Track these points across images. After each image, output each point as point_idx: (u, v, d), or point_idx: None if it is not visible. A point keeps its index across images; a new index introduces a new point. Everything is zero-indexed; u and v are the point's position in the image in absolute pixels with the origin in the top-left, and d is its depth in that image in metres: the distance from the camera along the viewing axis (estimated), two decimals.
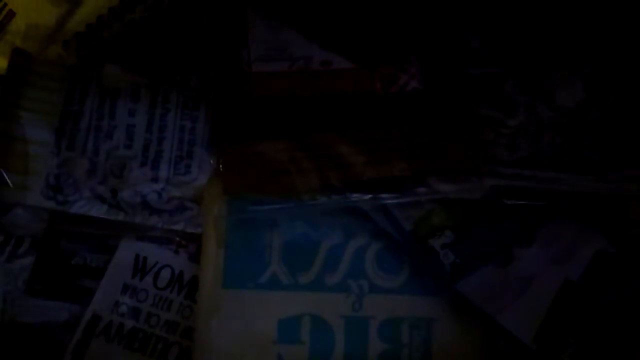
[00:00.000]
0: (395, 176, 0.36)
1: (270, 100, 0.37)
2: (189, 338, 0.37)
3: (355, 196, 0.36)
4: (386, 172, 0.36)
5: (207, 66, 0.40)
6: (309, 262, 0.37)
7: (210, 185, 0.36)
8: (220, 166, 0.35)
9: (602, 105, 0.40)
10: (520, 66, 0.41)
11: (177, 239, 0.39)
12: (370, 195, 0.36)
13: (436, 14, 0.41)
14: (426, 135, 0.37)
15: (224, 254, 0.36)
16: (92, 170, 0.37)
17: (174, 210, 0.38)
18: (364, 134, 0.36)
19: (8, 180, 0.35)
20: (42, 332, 0.36)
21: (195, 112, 0.39)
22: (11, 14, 0.41)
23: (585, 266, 0.37)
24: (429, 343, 0.37)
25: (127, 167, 0.37)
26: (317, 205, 0.36)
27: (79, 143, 0.37)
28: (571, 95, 0.40)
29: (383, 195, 0.36)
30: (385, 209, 0.37)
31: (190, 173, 0.38)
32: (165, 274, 0.38)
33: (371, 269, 0.37)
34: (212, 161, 0.38)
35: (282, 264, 0.36)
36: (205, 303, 0.35)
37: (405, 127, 0.37)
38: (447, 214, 0.37)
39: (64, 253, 0.38)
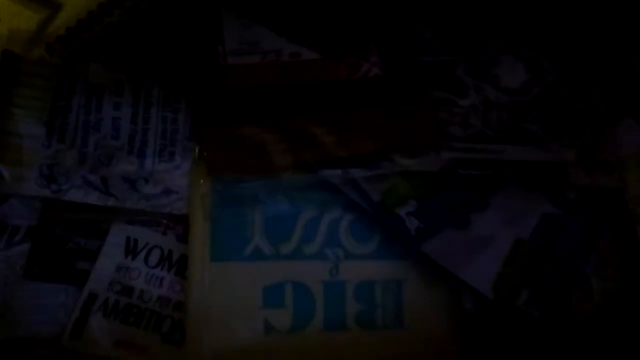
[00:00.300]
0: (362, 153, 0.40)
1: (245, 90, 0.41)
2: (179, 311, 0.40)
3: (327, 172, 0.40)
4: (354, 150, 0.40)
5: (186, 61, 0.43)
6: (288, 234, 0.40)
7: (195, 168, 0.40)
8: (204, 150, 0.39)
9: (542, 84, 0.45)
10: (469, 53, 0.46)
11: (165, 221, 0.42)
12: (340, 171, 0.40)
13: (392, 8, 0.46)
14: (388, 116, 0.41)
15: (210, 229, 0.39)
16: (82, 160, 0.40)
17: (161, 195, 0.41)
18: (332, 116, 0.40)
19: (3, 173, 0.38)
20: (41, 313, 0.39)
21: (175, 105, 0.43)
22: None
23: (534, 226, 0.42)
24: (400, 302, 0.41)
25: (115, 157, 0.40)
26: (293, 182, 0.39)
27: (68, 135, 0.40)
28: (515, 77, 0.45)
29: (352, 171, 0.40)
30: (354, 183, 0.41)
31: (174, 160, 0.42)
32: (156, 254, 0.41)
33: (345, 238, 0.41)
34: (194, 147, 0.41)
35: (264, 237, 0.40)
36: (195, 276, 0.39)
37: (369, 109, 0.41)
38: (410, 185, 0.41)
39: (59, 239, 0.40)
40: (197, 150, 0.41)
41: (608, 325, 0.41)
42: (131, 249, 0.41)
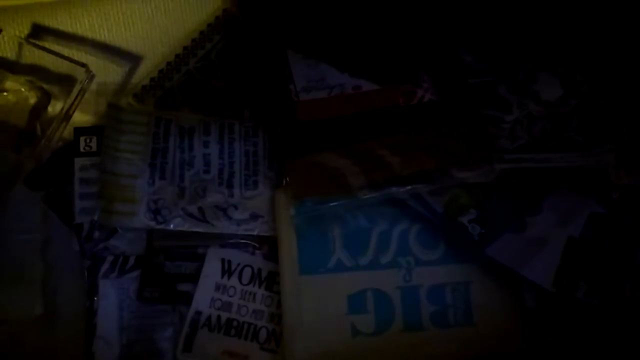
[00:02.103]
0: (425, 170, 0.45)
1: (317, 122, 0.46)
2: (273, 321, 0.45)
3: (395, 189, 0.45)
4: (417, 168, 0.45)
5: (261, 99, 0.49)
6: (365, 246, 0.45)
7: (279, 193, 0.45)
8: (288, 177, 0.44)
9: (578, 96, 0.50)
10: (508, 73, 0.51)
11: (253, 242, 0.47)
12: (407, 187, 0.45)
13: (436, 36, 0.51)
14: (445, 135, 0.46)
15: (298, 247, 0.44)
16: (181, 193, 0.45)
17: (249, 219, 0.46)
18: (396, 139, 0.45)
19: (117, 209, 0.43)
20: (153, 331, 0.44)
21: (255, 139, 0.48)
22: (92, 76, 0.50)
23: (583, 225, 0.47)
24: (468, 302, 0.46)
25: (208, 189, 0.46)
26: (366, 200, 0.44)
27: (168, 173, 0.46)
28: (553, 91, 0.50)
29: (417, 186, 0.45)
30: (419, 197, 0.46)
31: (257, 188, 0.47)
32: (247, 272, 0.46)
33: (415, 247, 0.46)
34: (275, 175, 0.46)
35: (344, 250, 0.45)
36: (287, 289, 0.44)
37: (427, 131, 0.46)
38: (469, 195, 0.46)
39: (163, 264, 0.46)
40: (280, 178, 0.46)
41: None
42: (226, 270, 0.46)
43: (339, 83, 0.48)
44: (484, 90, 0.50)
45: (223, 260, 0.46)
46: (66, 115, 0.48)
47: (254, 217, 0.46)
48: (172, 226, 0.44)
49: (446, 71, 0.49)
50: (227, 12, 0.53)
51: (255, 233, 0.46)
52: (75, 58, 0.50)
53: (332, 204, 0.44)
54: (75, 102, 0.48)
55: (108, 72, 0.52)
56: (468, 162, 0.46)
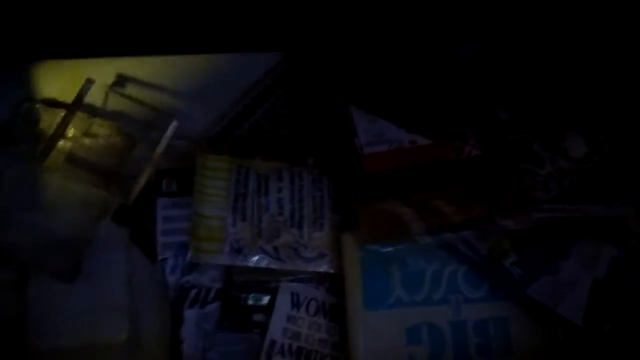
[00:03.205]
0: (473, 218, 0.52)
1: (379, 173, 0.52)
2: (336, 350, 0.51)
3: (448, 235, 0.51)
4: (466, 216, 0.51)
5: (326, 149, 0.55)
6: (420, 284, 0.51)
7: (347, 236, 0.51)
8: (357, 223, 0.50)
9: (600, 154, 0.57)
10: (540, 130, 0.57)
11: (318, 278, 0.52)
12: (458, 233, 0.51)
13: (478, 96, 0.58)
14: (490, 188, 0.52)
15: (362, 285, 0.50)
16: (259, 234, 0.51)
17: (317, 258, 0.52)
18: (450, 191, 0.51)
19: (206, 247, 0.49)
20: (233, 358, 0.49)
21: (320, 185, 0.54)
22: (175, 125, 0.55)
23: (606, 268, 0.53)
24: (509, 335, 0.52)
25: (281, 230, 0.51)
26: (424, 244, 0.50)
27: (248, 215, 0.51)
28: (579, 149, 0.57)
29: (466, 232, 0.52)
30: (467, 242, 0.52)
31: (323, 229, 0.53)
32: (313, 305, 0.52)
33: (463, 285, 0.52)
34: (339, 217, 0.52)
35: (403, 288, 0.51)
36: (353, 323, 0.49)
37: (475, 183, 0.52)
38: (510, 240, 0.53)
39: (240, 297, 0.51)
40: (344, 221, 0.52)
41: None
42: (295, 302, 0.51)
43: (397, 138, 0.54)
44: (520, 146, 0.57)
45: (292, 293, 0.51)
46: (152, 159, 0.53)
47: (322, 255, 0.52)
48: (251, 263, 0.50)
49: (487, 128, 0.56)
50: (289, 68, 0.59)
51: (322, 270, 0.52)
52: (157, 105, 0.56)
53: (395, 247, 0.50)
54: (160, 148, 0.53)
55: (185, 119, 0.57)
56: (510, 212, 0.52)
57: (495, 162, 0.54)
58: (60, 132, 0.52)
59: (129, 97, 0.55)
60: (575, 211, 0.55)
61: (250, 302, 0.51)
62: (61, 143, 0.52)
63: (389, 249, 0.50)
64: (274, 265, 0.50)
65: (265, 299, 0.51)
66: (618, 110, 0.59)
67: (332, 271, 0.52)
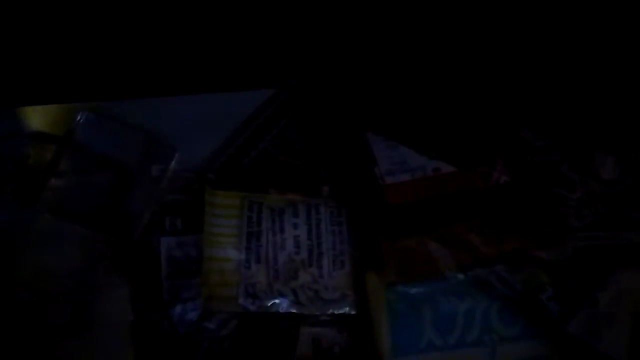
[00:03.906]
0: (506, 251, 0.48)
1: (403, 204, 0.48)
2: None
3: (479, 270, 0.47)
4: (499, 250, 0.48)
5: (342, 178, 0.51)
6: (452, 325, 0.47)
7: (372, 276, 0.47)
8: (383, 261, 0.45)
9: (632, 175, 0.54)
10: (568, 151, 0.54)
11: (340, 320, 0.48)
12: (490, 268, 0.47)
13: (503, 120, 0.54)
14: (522, 218, 0.49)
15: (390, 329, 0.46)
16: (276, 276, 0.46)
17: (339, 299, 0.47)
18: (481, 223, 0.47)
19: (218, 294, 0.44)
20: None
21: (339, 218, 0.50)
22: (178, 157, 0.50)
23: None
24: None
25: (299, 270, 0.47)
26: (455, 281, 0.46)
27: (262, 256, 0.47)
28: (610, 170, 0.54)
29: (498, 267, 0.48)
30: (500, 276, 0.48)
31: (344, 267, 0.48)
32: (336, 349, 0.47)
33: (497, 323, 0.48)
34: (364, 256, 0.48)
35: (434, 330, 0.47)
36: None
37: (508, 214, 0.48)
38: (545, 273, 0.49)
39: (256, 345, 0.46)
40: (366, 258, 0.48)
41: None
42: (317, 348, 0.47)
43: (420, 165, 0.50)
44: (549, 169, 0.53)
45: (314, 339, 0.47)
46: (155, 195, 0.48)
47: (344, 296, 0.47)
48: (268, 309, 0.45)
49: (515, 152, 0.53)
50: (300, 94, 0.55)
51: (344, 312, 0.47)
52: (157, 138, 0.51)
53: (424, 287, 0.46)
54: (164, 182, 0.49)
55: (187, 151, 0.53)
56: (544, 242, 0.49)
57: (525, 188, 0.50)
58: (51, 169, 0.47)
59: (126, 129, 0.51)
60: (611, 238, 0.52)
61: (266, 349, 0.47)
62: (52, 181, 0.48)
63: (418, 289, 0.46)
64: (293, 309, 0.46)
65: (284, 346, 0.47)
66: None
67: (353, 312, 0.48)
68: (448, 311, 0.48)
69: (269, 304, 0.45)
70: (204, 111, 0.53)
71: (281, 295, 0.46)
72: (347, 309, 0.47)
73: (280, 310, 0.46)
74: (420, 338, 0.47)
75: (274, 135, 0.54)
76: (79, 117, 0.48)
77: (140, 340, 0.47)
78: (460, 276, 0.47)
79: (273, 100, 0.55)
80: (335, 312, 0.47)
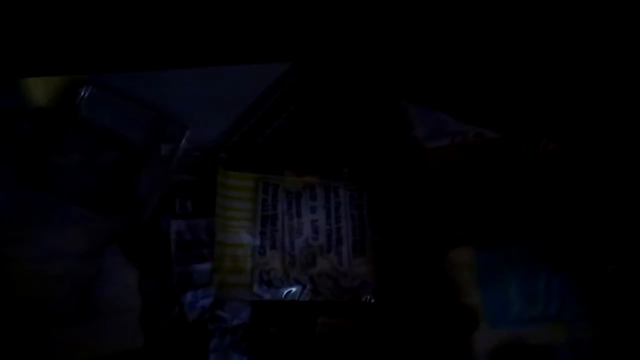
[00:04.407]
0: (566, 222, 0.43)
1: (445, 170, 0.44)
2: None
3: (540, 242, 0.43)
4: (559, 221, 0.43)
5: (365, 156, 0.47)
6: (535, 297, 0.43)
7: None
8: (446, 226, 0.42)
9: None
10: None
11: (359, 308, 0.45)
12: (551, 239, 0.43)
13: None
14: (579, 188, 0.44)
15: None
16: (292, 262, 0.43)
17: (358, 287, 0.45)
18: (534, 192, 0.43)
19: (232, 281, 0.41)
20: None
21: (360, 202, 0.46)
22: (189, 136, 0.47)
23: None
24: None
25: (317, 256, 0.44)
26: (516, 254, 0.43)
27: (278, 241, 0.44)
28: None
29: (559, 238, 0.43)
30: (561, 248, 0.44)
31: (365, 254, 0.45)
32: (355, 340, 0.44)
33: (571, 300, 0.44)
34: (381, 239, 0.45)
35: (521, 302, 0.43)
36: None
37: (561, 184, 0.44)
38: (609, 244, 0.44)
39: (272, 335, 0.44)
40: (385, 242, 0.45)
41: None
42: (335, 339, 0.44)
43: (459, 130, 0.46)
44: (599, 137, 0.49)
45: (332, 329, 0.44)
46: (165, 175, 0.46)
47: (364, 284, 0.45)
48: (284, 297, 0.43)
49: (565, 116, 0.48)
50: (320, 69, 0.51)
51: (364, 300, 0.45)
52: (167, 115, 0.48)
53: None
54: (174, 161, 0.46)
55: (198, 129, 0.49)
56: (606, 214, 0.45)
57: (579, 156, 0.47)
58: (53, 147, 0.45)
59: (133, 105, 0.48)
60: None
61: (282, 339, 0.44)
62: (57, 159, 0.45)
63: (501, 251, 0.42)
64: (311, 298, 0.43)
65: (302, 335, 0.44)
66: None
67: (373, 300, 0.45)
68: (529, 282, 0.43)
69: (285, 292, 0.43)
70: (216, 86, 0.50)
71: (298, 283, 0.43)
72: (368, 297, 0.45)
73: (297, 299, 0.43)
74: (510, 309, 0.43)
75: (290, 113, 0.51)
76: (82, 92, 0.45)
77: (149, 328, 0.44)
78: (523, 248, 0.43)
79: (290, 74, 0.52)
80: (354, 299, 0.44)
